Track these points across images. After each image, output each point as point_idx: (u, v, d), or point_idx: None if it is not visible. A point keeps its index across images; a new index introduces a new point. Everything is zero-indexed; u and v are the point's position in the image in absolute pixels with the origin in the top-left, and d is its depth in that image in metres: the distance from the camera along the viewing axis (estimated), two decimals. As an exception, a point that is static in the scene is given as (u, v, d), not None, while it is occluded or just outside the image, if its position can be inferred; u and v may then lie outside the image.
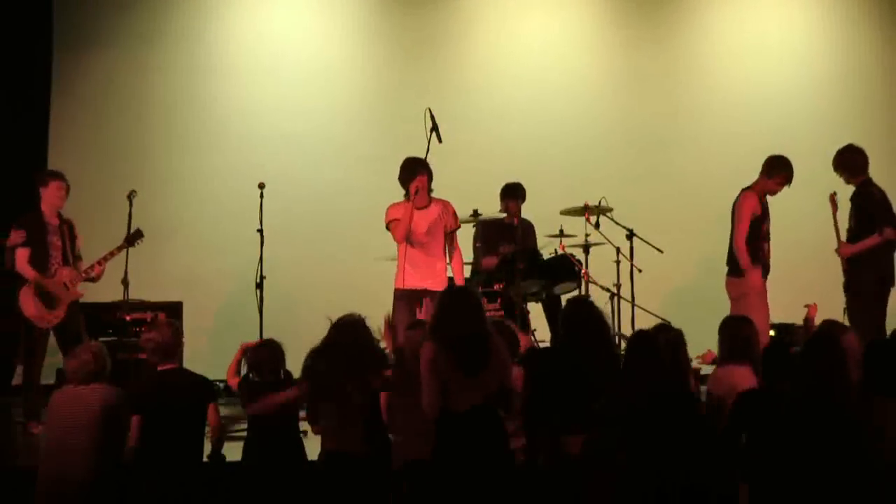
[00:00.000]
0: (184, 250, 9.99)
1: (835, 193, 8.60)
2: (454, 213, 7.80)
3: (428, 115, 7.97)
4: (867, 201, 8.19)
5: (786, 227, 10.74)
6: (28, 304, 7.68)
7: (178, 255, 9.94)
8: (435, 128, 7.95)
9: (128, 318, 8.41)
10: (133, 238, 8.10)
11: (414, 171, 7.57)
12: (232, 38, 10.40)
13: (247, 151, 10.13)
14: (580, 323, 5.96)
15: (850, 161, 8.32)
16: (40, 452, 5.87)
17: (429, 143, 7.91)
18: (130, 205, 8.43)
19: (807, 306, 7.64)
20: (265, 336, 7.81)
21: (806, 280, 10.57)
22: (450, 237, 7.79)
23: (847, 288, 8.28)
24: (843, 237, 8.41)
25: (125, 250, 8.03)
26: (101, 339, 8.48)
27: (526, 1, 10.77)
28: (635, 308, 8.94)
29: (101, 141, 10.10)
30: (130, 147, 10.10)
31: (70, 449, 5.64)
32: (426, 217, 7.64)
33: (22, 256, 7.74)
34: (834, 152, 10.98)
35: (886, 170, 10.94)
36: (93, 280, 7.97)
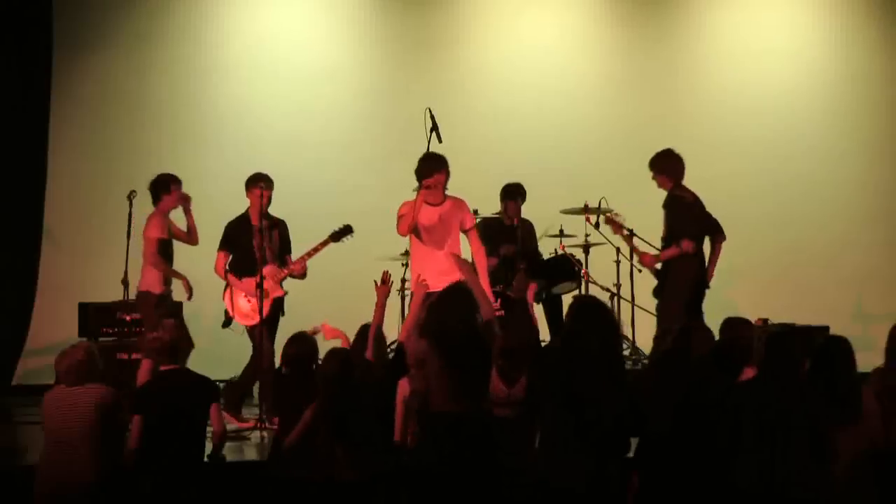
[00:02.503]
0: (184, 250, 9.98)
1: (614, 213, 8.57)
2: (468, 210, 7.64)
3: (428, 115, 7.95)
4: (674, 210, 8.09)
5: (786, 231, 10.78)
6: (228, 303, 8.03)
7: (178, 255, 9.94)
8: (435, 128, 7.93)
9: (128, 318, 8.41)
10: (339, 234, 8.12)
11: (430, 168, 7.41)
12: (231, 38, 10.40)
13: (246, 152, 10.12)
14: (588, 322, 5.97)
15: (670, 166, 8.19)
16: (40, 453, 5.86)
17: (429, 143, 7.89)
18: (130, 205, 8.46)
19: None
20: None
21: (805, 281, 10.58)
22: (470, 236, 7.61)
23: (657, 293, 8.17)
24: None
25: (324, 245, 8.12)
26: (101, 339, 8.53)
27: (527, 2, 10.77)
28: (635, 308, 8.94)
29: (101, 141, 10.11)
30: (130, 147, 10.11)
31: (67, 449, 5.62)
32: (439, 214, 7.46)
33: (217, 260, 8.10)
34: (835, 155, 11.03)
35: (888, 171, 10.99)
36: (296, 276, 8.09)
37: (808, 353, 5.56)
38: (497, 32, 10.71)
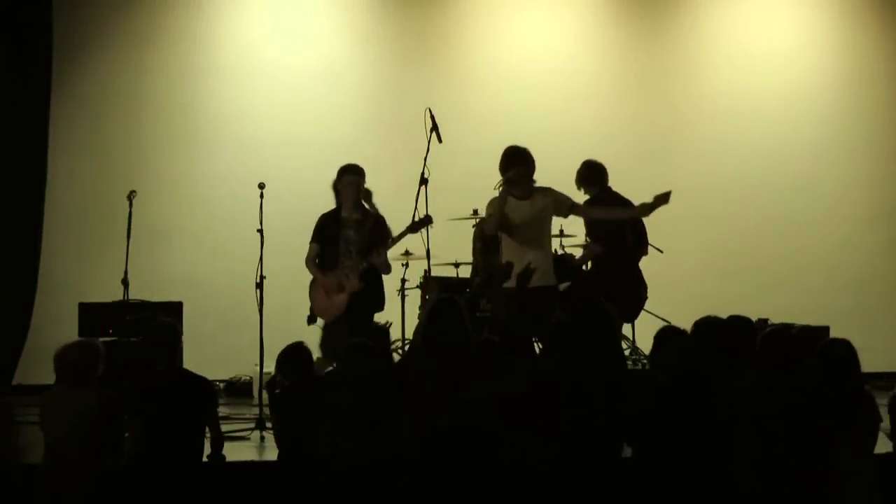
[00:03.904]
0: (184, 250, 10.00)
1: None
2: (558, 192, 7.44)
3: (428, 114, 7.95)
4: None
5: (787, 231, 10.79)
6: (312, 297, 7.82)
7: (178, 255, 9.96)
8: (435, 127, 7.93)
9: (128, 318, 8.39)
10: (418, 225, 7.74)
11: (511, 161, 7.25)
12: (231, 39, 10.40)
13: (246, 153, 10.13)
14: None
15: (589, 176, 8.38)
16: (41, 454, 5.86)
17: (429, 142, 7.89)
18: (130, 205, 8.46)
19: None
20: (265, 337, 7.85)
21: (806, 281, 10.58)
22: (576, 210, 7.51)
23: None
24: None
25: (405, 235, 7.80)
26: (101, 339, 8.52)
27: (528, 2, 10.76)
28: (635, 308, 8.91)
29: (101, 141, 10.11)
30: (130, 147, 10.11)
31: (67, 449, 5.62)
32: (527, 209, 7.28)
33: (309, 252, 7.89)
34: (838, 155, 11.02)
35: (891, 171, 10.99)
36: (378, 270, 7.80)
37: (808, 353, 5.58)
38: (497, 32, 10.70)
